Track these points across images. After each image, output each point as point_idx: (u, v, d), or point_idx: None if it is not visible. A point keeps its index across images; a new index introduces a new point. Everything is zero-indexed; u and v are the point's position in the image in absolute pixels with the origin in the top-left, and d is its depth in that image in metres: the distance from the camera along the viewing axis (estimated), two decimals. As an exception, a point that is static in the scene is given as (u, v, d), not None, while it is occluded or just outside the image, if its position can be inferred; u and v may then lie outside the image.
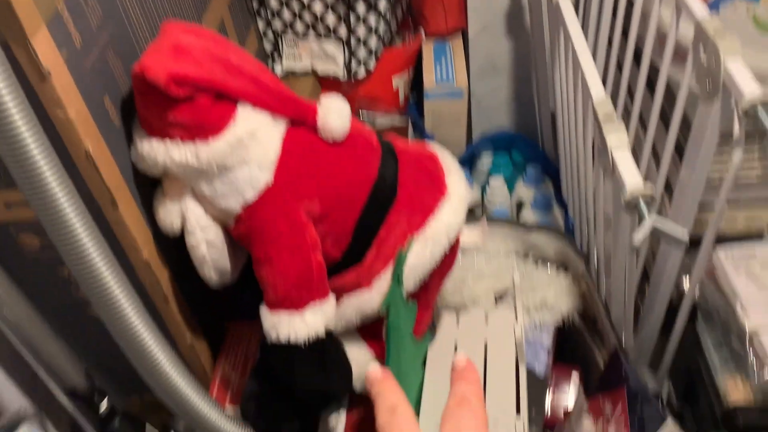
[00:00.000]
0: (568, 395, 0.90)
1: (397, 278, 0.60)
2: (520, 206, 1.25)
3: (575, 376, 0.92)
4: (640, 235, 0.55)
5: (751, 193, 0.87)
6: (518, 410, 0.72)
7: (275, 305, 0.62)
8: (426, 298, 0.70)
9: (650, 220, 0.56)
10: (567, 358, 0.97)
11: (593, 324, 0.92)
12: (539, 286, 0.90)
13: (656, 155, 0.90)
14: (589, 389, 0.89)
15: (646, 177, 0.86)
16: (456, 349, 0.80)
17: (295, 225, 0.61)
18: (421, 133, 1.22)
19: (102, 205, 0.61)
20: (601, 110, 0.65)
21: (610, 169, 0.63)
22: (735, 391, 0.82)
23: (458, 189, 0.69)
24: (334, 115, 0.63)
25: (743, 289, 0.83)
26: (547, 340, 0.88)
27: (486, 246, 0.95)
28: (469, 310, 0.86)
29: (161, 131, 0.59)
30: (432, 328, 0.81)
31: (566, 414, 0.88)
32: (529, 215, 1.18)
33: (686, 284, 0.90)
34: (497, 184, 1.21)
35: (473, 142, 1.29)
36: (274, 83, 0.63)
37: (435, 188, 0.68)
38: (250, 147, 0.59)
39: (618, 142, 0.61)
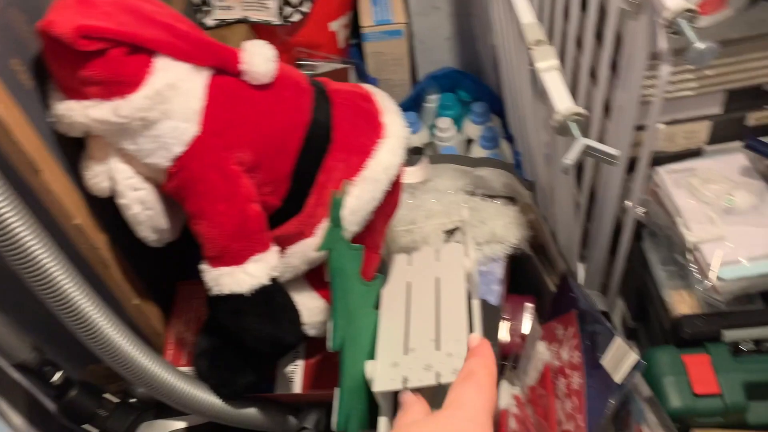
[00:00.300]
0: (523, 323, 0.92)
1: (334, 221, 0.59)
2: (469, 144, 1.25)
3: (529, 304, 0.94)
4: (572, 155, 0.55)
5: (689, 108, 0.88)
6: (471, 340, 0.73)
7: (215, 260, 0.61)
8: (372, 240, 0.70)
9: (582, 141, 0.56)
10: (522, 287, 0.98)
11: (543, 252, 0.94)
12: (488, 219, 0.91)
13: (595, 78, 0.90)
14: (542, 315, 0.91)
15: (587, 100, 0.86)
16: (409, 288, 0.81)
17: (228, 176, 0.59)
18: (363, 77, 1.20)
19: (24, 172, 0.58)
20: (530, 35, 0.64)
21: (542, 94, 0.63)
22: (681, 304, 0.84)
23: (395, 128, 0.68)
24: (258, 58, 0.61)
25: (684, 205, 0.85)
26: (499, 271, 0.89)
27: (434, 184, 0.95)
28: (420, 249, 0.87)
29: (76, 90, 0.57)
30: (383, 270, 0.81)
31: (522, 340, 0.90)
32: (478, 152, 1.19)
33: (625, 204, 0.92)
34: (445, 124, 1.20)
35: (418, 83, 1.27)
36: (192, 31, 0.61)
37: (371, 129, 0.67)
38: (172, 99, 0.57)
39: (547, 65, 0.61)
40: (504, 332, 0.92)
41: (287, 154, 0.63)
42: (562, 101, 0.57)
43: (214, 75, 0.61)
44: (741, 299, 0.82)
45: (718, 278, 0.78)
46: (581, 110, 0.56)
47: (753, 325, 0.79)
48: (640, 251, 0.92)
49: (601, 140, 0.81)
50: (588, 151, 0.56)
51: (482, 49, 1.25)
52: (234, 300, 0.60)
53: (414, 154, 0.95)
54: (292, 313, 0.66)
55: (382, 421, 0.72)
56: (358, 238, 0.66)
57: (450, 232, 0.90)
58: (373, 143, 0.65)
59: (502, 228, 0.90)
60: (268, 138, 0.62)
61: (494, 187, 0.96)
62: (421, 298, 0.79)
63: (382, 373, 0.71)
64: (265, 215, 0.63)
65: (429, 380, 0.69)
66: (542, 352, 0.84)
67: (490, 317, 0.84)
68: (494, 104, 1.23)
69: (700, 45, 0.55)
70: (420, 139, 1.23)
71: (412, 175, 0.72)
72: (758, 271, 0.78)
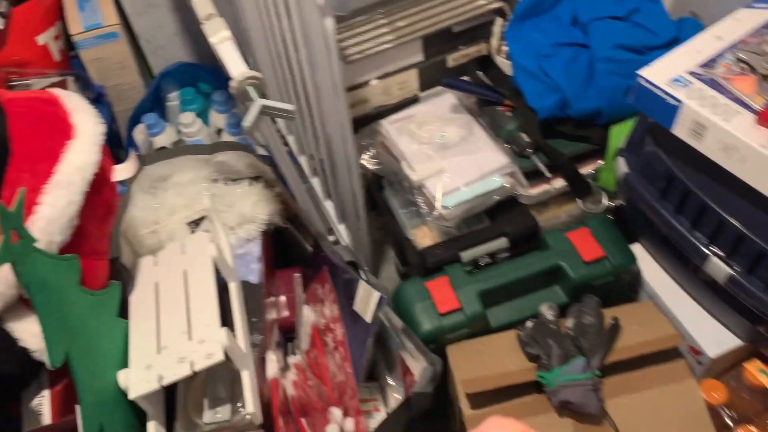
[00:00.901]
0: (296, 294, 0.94)
1: (9, 233, 0.55)
2: (219, 134, 1.24)
3: (297, 275, 0.97)
4: (251, 116, 0.57)
5: (394, 60, 0.95)
6: (224, 323, 0.73)
7: None
8: (90, 247, 0.67)
9: (259, 101, 0.57)
10: (291, 259, 1.00)
11: (298, 221, 0.96)
12: (235, 202, 0.91)
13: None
14: (306, 280, 0.94)
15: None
16: (157, 289, 0.79)
17: None
18: (88, 87, 1.14)
19: None
20: (201, 10, 0.65)
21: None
22: (424, 238, 0.91)
23: (86, 127, 0.65)
24: None
25: (406, 149, 0.92)
26: (256, 249, 0.90)
27: (176, 179, 0.93)
28: (166, 247, 0.85)
29: None
30: (126, 275, 0.78)
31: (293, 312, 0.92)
32: (229, 139, 1.18)
33: (363, 160, 0.97)
34: (188, 119, 1.18)
35: (150, 84, 1.23)
36: None
37: (59, 132, 0.64)
38: None
39: (219, 37, 0.61)
40: (276, 309, 0.94)
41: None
42: (237, 67, 0.58)
43: None
44: (471, 221, 0.91)
45: (443, 207, 0.85)
46: (256, 74, 0.58)
47: (483, 241, 0.88)
48: (384, 200, 0.98)
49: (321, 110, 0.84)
50: (266, 110, 0.57)
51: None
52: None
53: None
54: (8, 344, 0.61)
55: (151, 426, 0.71)
56: (70, 247, 0.63)
57: (198, 223, 0.89)
58: (62, 146, 0.62)
59: (250, 207, 0.90)
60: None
61: (239, 169, 0.96)
62: (170, 295, 0.78)
63: (137, 378, 0.69)
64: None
65: (184, 371, 0.68)
66: (308, 314, 0.86)
67: (253, 296, 0.85)
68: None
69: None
70: (167, 138, 1.19)
71: (121, 171, 0.70)
72: (475, 193, 0.86)
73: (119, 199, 0.76)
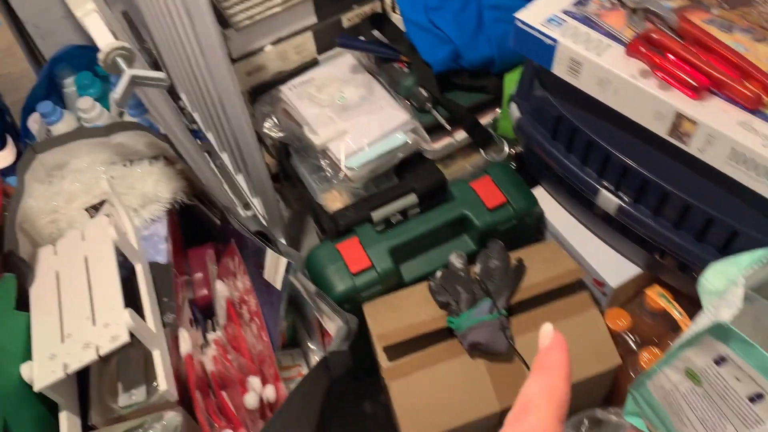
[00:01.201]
0: (203, 272, 0.93)
1: None
2: (122, 117, 1.20)
3: (209, 251, 0.95)
4: (121, 87, 0.55)
5: (287, 24, 0.93)
6: (133, 306, 0.72)
7: None
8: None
9: (128, 72, 0.55)
10: (203, 236, 0.99)
11: (205, 196, 0.94)
12: (136, 182, 0.88)
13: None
14: (219, 255, 0.93)
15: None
16: (58, 278, 0.76)
17: None
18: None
19: None
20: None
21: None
22: (335, 202, 0.91)
23: None
24: None
25: (307, 113, 0.91)
26: (162, 230, 0.88)
27: (72, 165, 0.90)
28: (65, 236, 0.82)
29: None
30: (25, 268, 0.76)
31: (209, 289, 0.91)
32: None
33: (266, 129, 0.96)
34: (86, 104, 1.13)
35: (41, 70, 1.18)
36: None
37: None
38: None
39: (83, 11, 0.59)
40: (198, 285, 0.92)
41: None
42: (104, 39, 0.56)
43: None
44: (379, 181, 0.91)
45: (348, 168, 0.85)
46: (124, 44, 0.56)
47: (392, 199, 0.88)
48: (293, 168, 0.97)
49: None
50: (136, 80, 0.56)
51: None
52: None
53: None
54: None
55: (63, 417, 0.69)
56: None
57: (98, 209, 0.86)
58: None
59: (152, 187, 0.88)
60: None
61: (138, 150, 0.94)
62: (71, 283, 0.76)
63: (41, 369, 0.68)
64: None
65: (89, 357, 0.67)
66: (221, 289, 0.86)
67: (162, 275, 0.83)
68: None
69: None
70: (66, 126, 1.15)
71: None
72: (379, 152, 0.87)
73: (9, 190, 0.73)
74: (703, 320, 0.52)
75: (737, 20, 0.65)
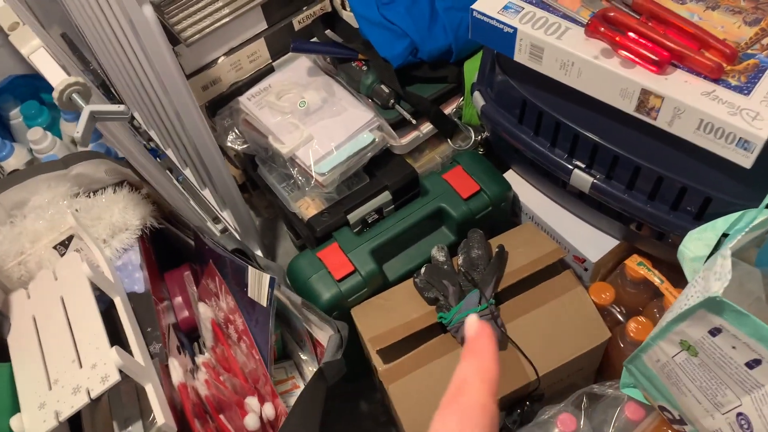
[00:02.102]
0: (182, 294, 0.91)
1: None
2: (76, 145, 1.17)
3: (186, 273, 0.94)
4: (81, 124, 0.53)
5: (238, 33, 0.91)
6: (117, 341, 0.70)
7: None
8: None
9: (87, 108, 0.53)
10: (178, 258, 0.97)
11: (175, 217, 0.93)
12: (102, 212, 0.86)
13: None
14: (196, 276, 0.91)
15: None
16: (36, 322, 0.74)
17: None
18: None
19: None
20: (4, 22, 0.59)
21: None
22: (309, 209, 0.90)
23: None
24: None
25: (270, 121, 0.89)
26: (135, 258, 0.86)
27: (33, 203, 0.87)
28: (36, 277, 0.80)
29: None
30: (-2, 317, 0.73)
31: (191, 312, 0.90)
32: (85, 149, 1.11)
33: (229, 142, 0.94)
34: (35, 135, 1.10)
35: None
36: None
37: None
38: None
39: (29, 48, 0.56)
40: (179, 309, 0.91)
41: None
42: (56, 76, 0.54)
43: None
44: (351, 182, 0.90)
45: (319, 174, 0.84)
46: (78, 79, 0.54)
47: (366, 200, 0.88)
48: (261, 179, 0.96)
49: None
50: (96, 116, 0.54)
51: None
52: None
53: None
54: None
55: (60, 465, 0.68)
56: None
57: (66, 244, 0.84)
58: None
59: (120, 215, 0.86)
60: None
61: (99, 178, 0.91)
62: (50, 326, 0.73)
63: (32, 420, 0.66)
64: None
65: (81, 401, 0.65)
66: (204, 311, 0.84)
67: (142, 305, 0.82)
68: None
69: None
70: (18, 160, 1.11)
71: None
72: (347, 154, 0.86)
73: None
74: (691, 292, 0.54)
75: (689, -10, 0.65)
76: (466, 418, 0.34)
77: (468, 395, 0.34)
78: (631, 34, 0.61)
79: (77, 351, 0.69)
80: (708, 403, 0.54)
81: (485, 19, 0.67)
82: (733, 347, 0.48)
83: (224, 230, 1.13)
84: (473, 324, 0.37)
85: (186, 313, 0.92)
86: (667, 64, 0.59)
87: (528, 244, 0.80)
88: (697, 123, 0.58)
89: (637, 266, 0.81)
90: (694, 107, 0.57)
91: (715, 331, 0.49)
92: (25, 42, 0.57)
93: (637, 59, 0.60)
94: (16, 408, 0.67)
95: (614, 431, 0.70)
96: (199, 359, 0.83)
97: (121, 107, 0.55)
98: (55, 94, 0.54)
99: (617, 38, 0.61)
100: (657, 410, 0.66)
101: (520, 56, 0.67)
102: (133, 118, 1.14)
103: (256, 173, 0.96)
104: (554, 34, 0.64)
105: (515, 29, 0.65)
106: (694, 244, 0.65)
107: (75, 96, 0.54)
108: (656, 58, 0.59)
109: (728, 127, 0.56)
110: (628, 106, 0.62)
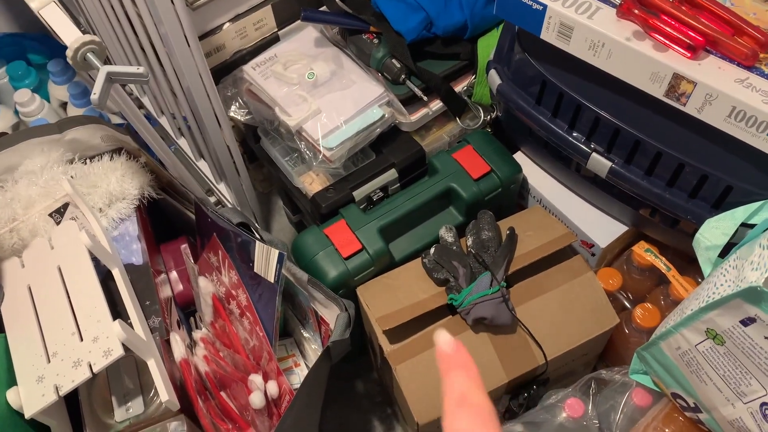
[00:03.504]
0: (179, 268, 0.89)
1: None
2: (65, 108, 1.12)
3: (184, 246, 0.91)
4: (97, 87, 0.50)
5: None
6: (116, 314, 0.68)
7: None
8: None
9: (104, 69, 0.50)
10: (175, 230, 0.94)
11: (173, 188, 0.89)
12: (99, 180, 0.82)
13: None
14: (194, 249, 0.89)
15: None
16: (32, 293, 0.71)
17: None
18: None
19: None
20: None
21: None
22: (313, 184, 0.88)
23: None
24: None
25: (276, 93, 0.86)
26: (133, 228, 0.83)
27: (25, 167, 0.83)
28: (31, 245, 0.76)
29: None
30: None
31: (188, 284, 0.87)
32: (74, 113, 1.06)
33: (232, 113, 0.91)
34: (23, 97, 1.05)
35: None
36: None
37: None
38: None
39: (40, 3, 0.53)
40: (175, 282, 0.88)
41: None
42: (70, 34, 0.51)
43: None
44: (357, 158, 0.88)
45: (326, 148, 0.82)
46: (93, 38, 0.51)
47: (373, 177, 0.86)
48: (263, 151, 0.93)
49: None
50: (113, 77, 0.51)
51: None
52: None
53: None
54: None
55: (58, 440, 0.65)
56: None
57: (61, 212, 0.80)
58: None
59: (117, 184, 0.82)
60: None
61: (95, 144, 0.87)
62: (47, 297, 0.70)
63: (30, 394, 0.63)
64: None
65: (83, 375, 0.63)
66: (205, 285, 0.82)
67: (141, 278, 0.79)
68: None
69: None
70: (4, 122, 1.06)
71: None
72: (356, 129, 0.83)
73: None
74: (720, 280, 0.53)
75: (720, -26, 0.64)
76: (478, 415, 0.35)
77: (474, 400, 0.36)
78: (664, 17, 0.60)
79: (77, 323, 0.67)
80: (730, 392, 0.54)
81: (514, -6, 0.65)
82: (766, 337, 0.48)
83: (217, 203, 1.10)
84: (449, 340, 0.38)
85: (181, 287, 0.89)
86: (701, 50, 0.58)
87: (538, 228, 0.79)
88: (728, 110, 0.57)
89: (644, 252, 0.81)
90: (728, 94, 0.56)
91: (748, 321, 0.49)
92: (35, -4, 0.53)
93: (670, 43, 0.59)
94: (12, 381, 0.64)
95: (622, 417, 0.70)
96: (196, 334, 0.81)
97: (141, 69, 0.52)
98: (68, 53, 0.50)
99: (651, 20, 0.59)
100: (668, 397, 0.66)
101: (548, 35, 0.66)
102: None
103: (258, 146, 0.93)
104: (585, 13, 0.63)
105: (545, 6, 0.64)
106: (711, 233, 0.64)
107: (90, 55, 0.51)
108: (691, 43, 0.58)
109: (761, 116, 0.56)
110: (658, 91, 0.61)
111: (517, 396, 0.77)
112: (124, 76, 0.52)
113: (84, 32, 1.12)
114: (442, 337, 0.38)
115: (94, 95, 0.51)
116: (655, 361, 0.63)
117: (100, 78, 0.50)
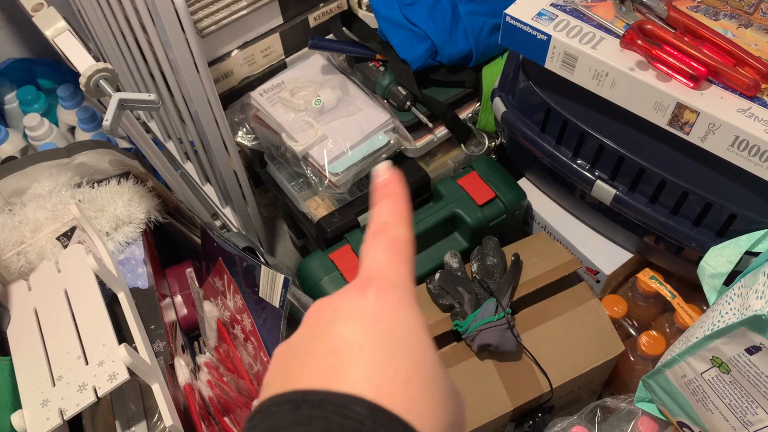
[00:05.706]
0: (184, 292, 0.89)
1: None
2: (73, 132, 1.14)
3: (189, 270, 0.91)
4: (110, 112, 0.51)
5: (253, 27, 0.89)
6: (121, 338, 0.68)
7: None
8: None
9: (116, 96, 0.51)
10: (181, 254, 0.95)
11: (179, 213, 0.90)
12: (106, 204, 0.83)
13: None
14: (200, 273, 0.89)
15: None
16: (38, 315, 0.71)
17: None
18: None
19: None
20: (28, 2, 0.56)
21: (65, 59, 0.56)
22: (318, 209, 0.88)
23: None
24: None
25: (283, 119, 0.87)
26: (139, 252, 0.83)
27: (33, 191, 0.84)
28: (38, 268, 0.77)
29: None
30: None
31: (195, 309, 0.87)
32: (82, 137, 1.08)
33: (239, 138, 0.92)
34: (32, 121, 1.06)
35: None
36: None
37: None
38: None
39: (54, 30, 0.54)
40: (179, 306, 0.88)
41: None
42: (83, 62, 0.52)
43: None
44: (362, 183, 0.89)
45: (332, 174, 0.83)
46: (106, 65, 0.52)
47: (378, 201, 0.86)
48: (269, 176, 0.94)
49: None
50: (125, 104, 0.52)
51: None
52: None
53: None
54: None
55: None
56: None
57: (69, 235, 0.81)
58: None
59: (124, 208, 0.83)
60: None
61: (103, 168, 0.88)
62: (53, 320, 0.71)
63: (34, 418, 0.63)
64: None
65: (87, 399, 0.63)
66: (209, 310, 0.82)
67: (146, 302, 0.79)
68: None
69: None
70: (13, 146, 1.07)
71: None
72: (362, 155, 0.84)
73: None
74: (725, 309, 0.53)
75: (721, 6, 0.65)
76: (395, 250, 0.33)
77: (394, 229, 0.34)
78: (666, 47, 0.61)
79: (83, 347, 0.67)
80: (736, 421, 0.54)
81: (518, 24, 0.66)
82: (772, 366, 0.48)
83: (222, 227, 1.10)
84: (384, 169, 0.35)
85: (186, 311, 0.90)
86: (704, 80, 0.59)
87: (543, 254, 0.80)
88: (731, 140, 0.58)
89: (649, 280, 0.81)
90: (730, 123, 0.57)
91: (753, 349, 0.49)
92: (50, 24, 0.55)
93: (673, 73, 0.60)
94: (17, 404, 0.64)
95: (628, 445, 0.69)
96: (200, 359, 0.81)
97: (152, 96, 0.53)
98: (81, 80, 0.51)
99: (654, 51, 0.60)
100: (674, 426, 0.66)
101: (552, 64, 0.67)
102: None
103: (264, 170, 0.94)
104: (589, 43, 0.64)
105: (549, 36, 0.65)
106: (716, 261, 0.65)
107: (102, 82, 0.52)
108: (693, 73, 0.59)
109: (764, 145, 0.56)
110: (661, 120, 0.62)
111: (522, 424, 0.76)
112: (136, 103, 0.52)
113: (94, 58, 1.14)
114: (380, 167, 0.36)
115: (106, 122, 0.51)
116: (661, 389, 0.63)
117: (112, 105, 0.51)
